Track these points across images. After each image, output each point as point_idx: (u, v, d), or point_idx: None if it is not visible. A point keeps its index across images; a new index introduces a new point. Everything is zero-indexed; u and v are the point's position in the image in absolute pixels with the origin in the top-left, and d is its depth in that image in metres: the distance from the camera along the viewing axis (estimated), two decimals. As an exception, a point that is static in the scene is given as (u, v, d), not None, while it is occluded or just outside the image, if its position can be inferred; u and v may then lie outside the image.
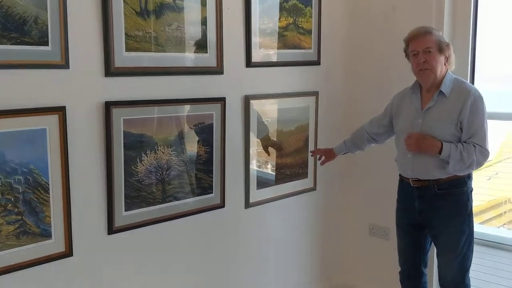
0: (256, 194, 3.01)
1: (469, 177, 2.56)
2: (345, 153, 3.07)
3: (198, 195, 2.69)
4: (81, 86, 2.20)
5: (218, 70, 2.69)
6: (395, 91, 3.26)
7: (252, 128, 2.92)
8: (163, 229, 2.56)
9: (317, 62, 3.29)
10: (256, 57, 2.89)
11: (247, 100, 2.86)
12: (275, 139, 3.09)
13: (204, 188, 2.71)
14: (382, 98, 3.34)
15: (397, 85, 3.22)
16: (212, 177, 2.73)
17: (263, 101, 2.98)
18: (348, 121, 3.52)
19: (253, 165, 2.97)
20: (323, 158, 3.10)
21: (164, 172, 2.51)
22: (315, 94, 3.31)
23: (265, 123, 3.02)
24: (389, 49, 3.28)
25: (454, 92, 2.49)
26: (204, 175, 2.70)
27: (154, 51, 2.42)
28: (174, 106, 2.53)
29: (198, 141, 2.64)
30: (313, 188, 3.41)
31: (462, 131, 2.45)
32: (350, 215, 3.64)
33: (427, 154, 2.49)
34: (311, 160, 3.34)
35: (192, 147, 2.61)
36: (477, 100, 2.45)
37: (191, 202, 2.66)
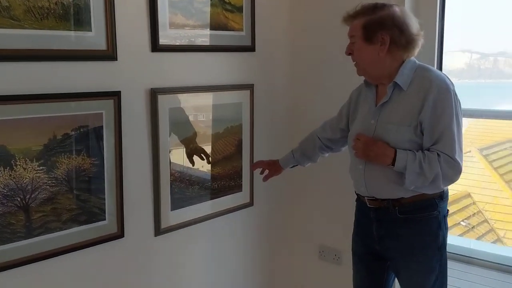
0: (171, 217, 2.33)
1: (441, 197, 1.94)
2: (293, 166, 2.45)
3: (84, 223, 1.99)
4: None
5: (108, 54, 2.00)
6: (350, 85, 2.65)
7: (163, 132, 2.24)
8: (29, 274, 1.86)
9: (251, 48, 2.63)
10: (165, 38, 2.20)
11: (153, 95, 2.18)
12: (199, 145, 2.42)
13: (92, 213, 2.01)
14: (334, 94, 2.74)
15: (354, 78, 2.63)
16: (103, 199, 2.04)
17: (177, 96, 2.30)
18: (291, 121, 2.89)
19: (166, 180, 2.29)
20: (266, 172, 2.46)
21: (28, 196, 1.81)
22: (250, 87, 2.65)
23: (186, 123, 2.35)
24: (344, 31, 2.65)
25: (415, 84, 1.87)
26: (91, 197, 2.00)
27: (7, 27, 1.71)
28: (40, 104, 1.82)
29: (81, 151, 1.95)
30: (250, 204, 2.75)
31: (423, 136, 1.85)
32: (295, 236, 3.01)
33: (379, 164, 1.89)
34: (246, 169, 2.69)
35: (71, 159, 1.91)
36: (443, 94, 1.82)
37: (72, 233, 1.96)
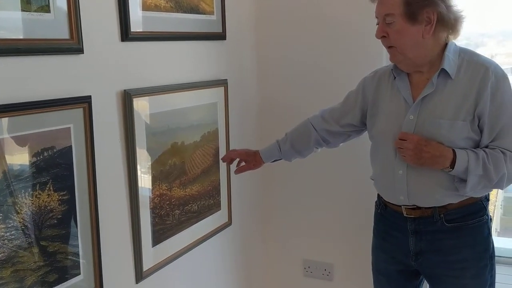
0: (153, 255, 1.81)
1: (487, 198, 1.69)
2: (275, 161, 2.01)
3: (54, 284, 1.41)
4: None
5: (73, 45, 1.42)
6: (339, 75, 2.33)
7: (141, 147, 1.71)
8: None
9: (221, 36, 2.17)
10: (138, 24, 1.67)
11: (128, 98, 1.63)
12: (178, 158, 1.91)
13: (64, 269, 1.44)
14: (309, 88, 2.39)
15: (343, 67, 2.30)
16: (77, 247, 1.47)
17: (154, 98, 1.77)
18: (264, 121, 2.48)
19: (146, 209, 1.75)
20: (242, 163, 2.02)
21: (-22, 260, 1.21)
22: (224, 83, 2.19)
23: (164, 133, 1.82)
24: (334, 12, 2.28)
25: (463, 71, 1.58)
26: (61, 246, 1.42)
27: None
28: (-13, 120, 1.22)
29: (45, 184, 1.36)
30: (228, 223, 2.30)
31: (481, 132, 1.56)
32: (276, 252, 2.60)
33: (431, 168, 1.57)
34: (224, 182, 2.23)
35: (33, 198, 1.33)
36: (501, 81, 1.55)
37: (40, 302, 1.38)
